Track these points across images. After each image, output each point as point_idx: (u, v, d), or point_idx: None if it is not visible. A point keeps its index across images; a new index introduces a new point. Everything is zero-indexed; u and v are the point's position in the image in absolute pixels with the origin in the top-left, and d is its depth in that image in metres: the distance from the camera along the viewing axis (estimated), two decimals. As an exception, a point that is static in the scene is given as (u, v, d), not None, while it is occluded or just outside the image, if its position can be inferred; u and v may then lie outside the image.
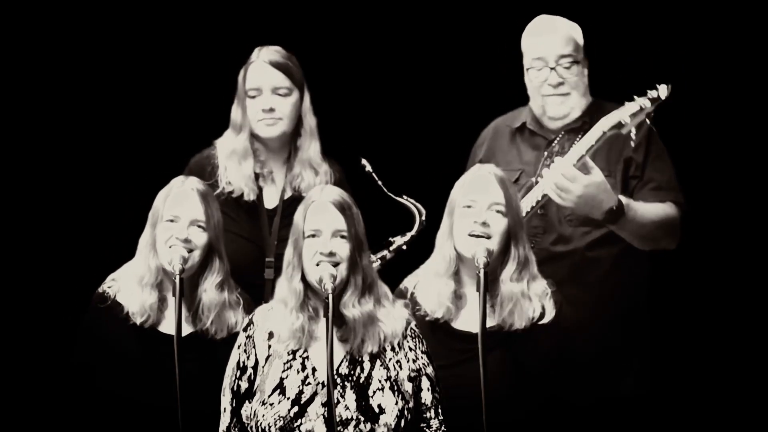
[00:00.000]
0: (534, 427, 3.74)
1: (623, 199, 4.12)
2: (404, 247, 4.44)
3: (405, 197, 4.43)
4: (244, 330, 3.71)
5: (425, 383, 3.68)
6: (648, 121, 4.12)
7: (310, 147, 4.35)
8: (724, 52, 4.69)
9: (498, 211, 3.78)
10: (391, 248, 4.42)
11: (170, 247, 3.86)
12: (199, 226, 3.90)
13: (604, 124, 4.13)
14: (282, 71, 4.31)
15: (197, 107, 5.02)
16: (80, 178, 5.10)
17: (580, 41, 4.30)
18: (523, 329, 3.77)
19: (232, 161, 4.31)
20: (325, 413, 3.55)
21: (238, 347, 3.70)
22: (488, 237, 3.75)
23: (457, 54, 5.13)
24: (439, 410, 3.68)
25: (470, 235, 3.76)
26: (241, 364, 3.67)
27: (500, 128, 4.46)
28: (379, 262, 4.36)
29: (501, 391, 3.65)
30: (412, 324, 3.73)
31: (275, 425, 3.57)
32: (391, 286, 3.87)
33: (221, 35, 5.07)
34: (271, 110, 4.29)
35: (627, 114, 4.13)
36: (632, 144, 4.12)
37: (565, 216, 4.23)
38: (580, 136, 4.21)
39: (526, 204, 4.17)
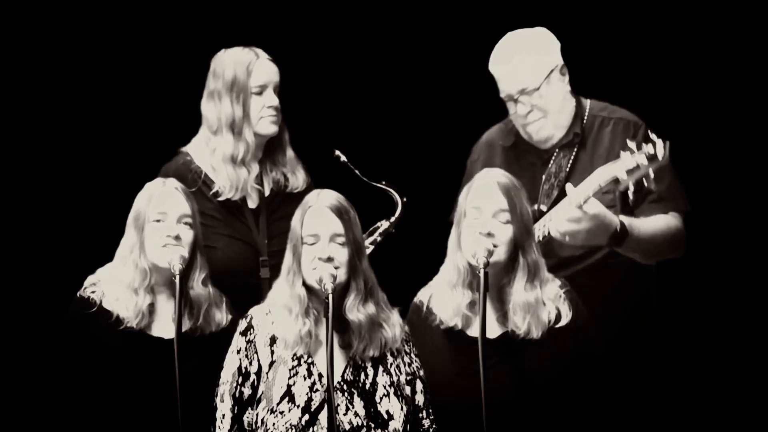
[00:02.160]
0: (560, 426, 3.74)
1: (625, 219, 4.07)
2: (392, 230, 4.47)
3: (383, 183, 4.46)
4: (243, 334, 3.69)
5: (419, 386, 3.72)
6: (646, 182, 3.94)
7: (289, 146, 4.38)
8: (723, 57, 4.71)
9: (502, 220, 3.76)
10: (379, 232, 4.45)
11: (164, 246, 3.84)
12: (186, 223, 3.90)
13: (600, 177, 3.98)
14: (276, 69, 4.33)
15: (172, 109, 4.94)
16: (55, 179, 5.09)
17: (545, 56, 4.18)
18: (540, 336, 3.75)
19: (229, 165, 4.27)
20: (335, 419, 3.54)
21: (238, 352, 3.68)
22: (494, 246, 3.72)
23: (445, 55, 5.15)
24: (430, 411, 3.72)
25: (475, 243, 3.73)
26: (243, 370, 3.66)
27: (493, 144, 4.39)
28: (371, 247, 4.39)
29: (514, 396, 3.68)
30: (406, 328, 3.76)
31: None
32: (391, 286, 3.89)
33: (203, 37, 4.96)
34: (276, 108, 4.29)
35: (623, 170, 3.96)
36: (652, 186, 3.97)
37: (566, 239, 4.11)
38: (575, 150, 4.19)
39: (539, 231, 4.11)
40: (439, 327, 3.82)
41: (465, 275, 3.78)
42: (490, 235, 3.74)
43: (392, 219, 4.49)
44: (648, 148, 3.93)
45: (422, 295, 3.91)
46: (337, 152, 4.42)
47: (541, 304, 3.77)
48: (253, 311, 3.73)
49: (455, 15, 5.10)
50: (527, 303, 3.75)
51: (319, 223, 3.64)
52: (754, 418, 4.85)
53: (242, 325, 3.72)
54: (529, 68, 4.17)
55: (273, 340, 3.66)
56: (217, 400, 3.66)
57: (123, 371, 3.82)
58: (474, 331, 3.78)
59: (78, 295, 3.91)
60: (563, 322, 3.79)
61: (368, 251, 4.34)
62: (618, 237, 4.06)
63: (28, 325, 4.90)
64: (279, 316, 3.67)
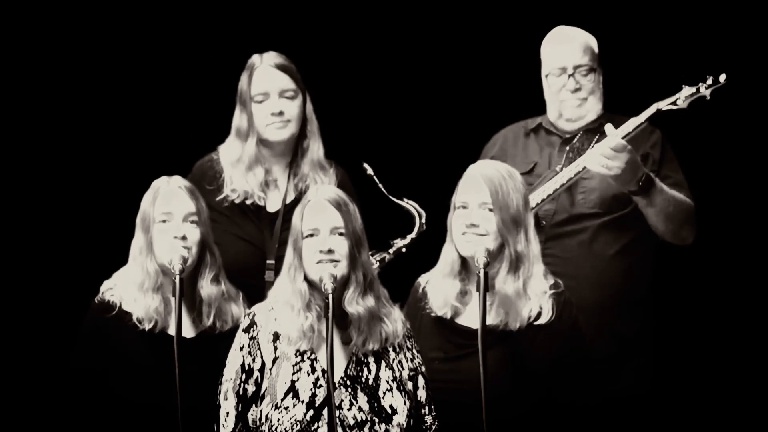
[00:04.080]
0: (532, 424, 3.75)
1: (650, 173, 4.28)
2: (404, 249, 4.49)
3: (405, 200, 4.48)
4: (246, 331, 3.70)
5: (421, 381, 3.73)
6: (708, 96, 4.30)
7: (319, 148, 4.39)
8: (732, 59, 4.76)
9: (488, 209, 3.79)
10: (390, 250, 4.48)
11: (171, 247, 3.85)
12: (192, 222, 3.91)
13: (640, 117, 4.32)
14: (288, 74, 4.35)
15: (190, 112, 5.06)
16: (71, 181, 5.07)
17: (596, 51, 4.47)
18: (518, 329, 3.77)
19: (238, 169, 4.33)
20: (340, 415, 3.57)
21: (241, 349, 3.68)
22: (482, 235, 3.77)
23: (460, 58, 5.18)
24: (432, 406, 3.73)
25: (463, 235, 3.80)
26: (247, 367, 3.66)
27: (513, 130, 4.61)
28: (378, 264, 4.40)
29: (499, 388, 3.67)
30: (407, 324, 3.78)
31: (292, 429, 3.59)
32: (393, 283, 3.95)
33: (221, 39, 5.07)
34: (281, 113, 4.32)
35: (684, 95, 4.33)
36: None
37: (579, 198, 4.36)
38: (598, 136, 4.36)
39: (541, 194, 4.34)
40: (429, 312, 3.87)
41: (454, 267, 3.83)
42: (474, 225, 3.77)
43: (408, 238, 4.50)
44: (710, 78, 4.31)
45: (423, 278, 3.97)
46: (365, 165, 4.44)
47: (522, 297, 3.77)
48: (256, 308, 3.75)
49: (472, 27, 5.18)
50: (506, 294, 3.77)
51: (319, 217, 3.67)
52: (750, 418, 4.84)
53: (245, 322, 3.73)
54: (589, 50, 4.45)
55: (276, 337, 3.67)
56: (221, 398, 3.66)
57: (147, 372, 3.83)
58: (461, 320, 3.85)
59: (96, 300, 3.92)
60: (543, 320, 3.78)
61: (375, 267, 4.39)
62: (646, 183, 4.25)
63: (40, 332, 4.90)
64: (281, 313, 3.68)
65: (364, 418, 3.63)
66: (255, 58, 4.39)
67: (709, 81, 4.33)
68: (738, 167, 4.98)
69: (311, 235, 3.67)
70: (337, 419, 3.57)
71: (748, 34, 4.87)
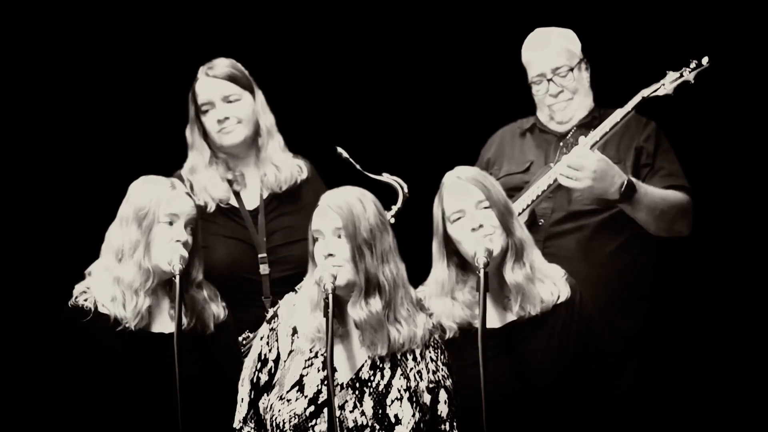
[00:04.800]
0: (539, 424, 3.75)
1: (633, 179, 4.24)
2: (392, 220, 4.42)
3: (385, 174, 4.47)
4: (268, 322, 3.75)
5: (443, 396, 3.69)
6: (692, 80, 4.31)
7: (269, 145, 4.43)
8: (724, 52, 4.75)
9: (484, 207, 3.79)
10: None
11: (171, 249, 3.83)
12: (192, 228, 3.91)
13: (608, 122, 4.30)
14: (228, 79, 4.38)
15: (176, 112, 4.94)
16: (51, 179, 5.09)
17: (575, 47, 4.45)
18: (541, 313, 3.78)
19: (203, 180, 4.37)
20: (341, 416, 3.57)
21: (261, 338, 3.73)
22: (489, 234, 3.76)
23: (453, 56, 5.18)
24: (455, 423, 3.68)
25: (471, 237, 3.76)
26: (263, 356, 3.71)
27: (508, 131, 4.61)
28: None
29: (542, 378, 3.71)
30: (436, 335, 3.74)
31: (290, 422, 3.61)
32: None
33: (207, 42, 4.97)
34: (226, 119, 4.36)
35: (668, 81, 4.34)
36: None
37: (575, 196, 4.34)
38: (591, 131, 4.34)
39: (536, 190, 4.32)
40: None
41: (448, 285, 3.82)
42: (481, 226, 3.76)
43: (393, 209, 4.46)
44: (693, 62, 4.33)
45: (419, 293, 3.90)
46: (339, 149, 4.44)
47: (533, 280, 3.78)
48: (283, 301, 3.80)
49: (462, 24, 5.16)
50: (517, 283, 3.77)
51: (323, 220, 3.70)
52: (751, 417, 4.86)
53: (270, 313, 3.79)
54: (564, 51, 4.44)
55: (295, 331, 3.71)
56: (239, 384, 3.72)
57: (126, 372, 3.81)
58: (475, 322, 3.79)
59: (69, 304, 3.85)
60: (562, 299, 3.81)
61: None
62: (628, 189, 4.21)
63: (20, 329, 4.87)
64: (301, 309, 3.72)
65: (365, 423, 3.61)
66: (199, 72, 4.43)
67: (693, 65, 4.33)
68: (739, 161, 4.99)
69: (317, 239, 3.71)
70: (338, 418, 3.57)
71: (734, 17, 4.89)
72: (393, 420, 3.62)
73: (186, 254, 3.84)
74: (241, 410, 3.70)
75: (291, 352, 3.69)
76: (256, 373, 3.70)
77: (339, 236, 3.67)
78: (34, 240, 5.04)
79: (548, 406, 3.74)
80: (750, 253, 4.99)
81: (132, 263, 3.84)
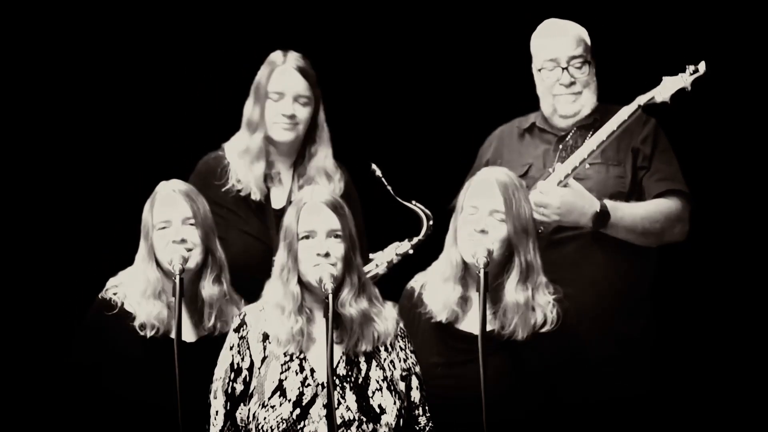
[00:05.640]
0: (533, 427, 3.73)
1: (608, 202, 4.18)
2: (411, 251, 4.45)
3: (413, 202, 4.46)
4: (236, 331, 3.70)
5: (414, 382, 3.72)
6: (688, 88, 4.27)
7: (326, 156, 4.41)
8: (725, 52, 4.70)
9: (498, 219, 3.76)
10: (397, 252, 4.44)
11: (170, 250, 3.84)
12: (191, 224, 3.90)
13: (587, 147, 4.23)
14: (307, 79, 4.37)
15: (197, 111, 5.04)
16: (79, 180, 5.06)
17: (589, 43, 4.39)
18: (524, 339, 3.76)
19: (244, 160, 4.35)
20: (335, 419, 3.53)
21: (230, 348, 3.69)
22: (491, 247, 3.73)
23: (464, 59, 5.15)
24: (426, 408, 3.72)
25: (470, 239, 3.75)
26: (236, 366, 3.66)
27: (508, 130, 4.53)
28: (386, 265, 4.40)
29: (499, 393, 3.64)
30: (401, 324, 3.76)
31: (278, 428, 3.58)
32: (392, 285, 3.95)
33: (223, 38, 5.07)
34: (292, 116, 4.34)
35: (664, 87, 4.29)
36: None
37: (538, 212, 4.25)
38: (591, 132, 4.30)
39: None
40: (427, 317, 3.82)
41: (458, 270, 3.79)
42: (483, 232, 3.74)
43: (415, 240, 4.45)
44: (690, 68, 4.29)
45: (416, 282, 3.93)
46: (374, 166, 4.43)
47: (530, 307, 3.76)
48: (247, 309, 3.75)
49: (473, 26, 5.15)
50: (517, 303, 3.75)
51: (316, 219, 3.66)
52: (749, 420, 4.81)
53: (236, 322, 3.73)
54: (582, 42, 4.37)
55: (265, 337, 3.67)
56: (211, 396, 3.67)
57: (144, 373, 3.81)
58: (462, 325, 3.81)
59: (99, 296, 3.91)
60: (547, 327, 3.77)
61: (382, 271, 4.42)
62: (601, 217, 4.16)
63: (44, 327, 4.86)
64: (271, 314, 3.67)
65: (352, 417, 3.60)
66: (277, 56, 4.40)
67: (689, 71, 4.29)
68: (738, 165, 4.95)
69: (307, 237, 3.66)
70: (325, 417, 3.55)
71: (734, 17, 4.86)
72: (378, 410, 3.63)
73: (186, 254, 3.85)
74: (217, 423, 3.65)
75: (265, 358, 3.65)
76: (230, 383, 3.65)
77: (335, 236, 3.65)
78: (66, 242, 5.05)
79: (522, 411, 3.73)
80: (750, 257, 4.95)
81: (142, 273, 3.91)
